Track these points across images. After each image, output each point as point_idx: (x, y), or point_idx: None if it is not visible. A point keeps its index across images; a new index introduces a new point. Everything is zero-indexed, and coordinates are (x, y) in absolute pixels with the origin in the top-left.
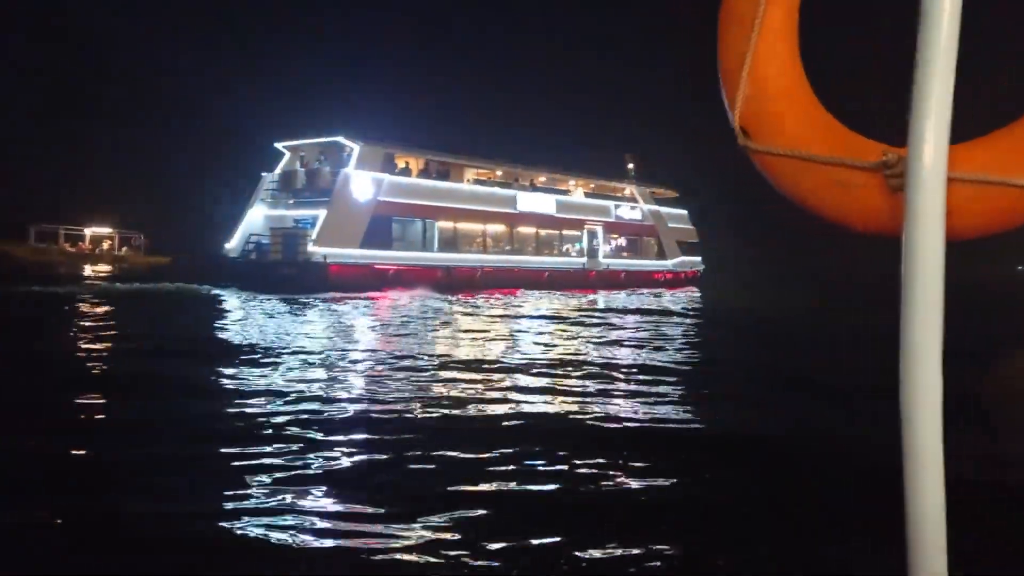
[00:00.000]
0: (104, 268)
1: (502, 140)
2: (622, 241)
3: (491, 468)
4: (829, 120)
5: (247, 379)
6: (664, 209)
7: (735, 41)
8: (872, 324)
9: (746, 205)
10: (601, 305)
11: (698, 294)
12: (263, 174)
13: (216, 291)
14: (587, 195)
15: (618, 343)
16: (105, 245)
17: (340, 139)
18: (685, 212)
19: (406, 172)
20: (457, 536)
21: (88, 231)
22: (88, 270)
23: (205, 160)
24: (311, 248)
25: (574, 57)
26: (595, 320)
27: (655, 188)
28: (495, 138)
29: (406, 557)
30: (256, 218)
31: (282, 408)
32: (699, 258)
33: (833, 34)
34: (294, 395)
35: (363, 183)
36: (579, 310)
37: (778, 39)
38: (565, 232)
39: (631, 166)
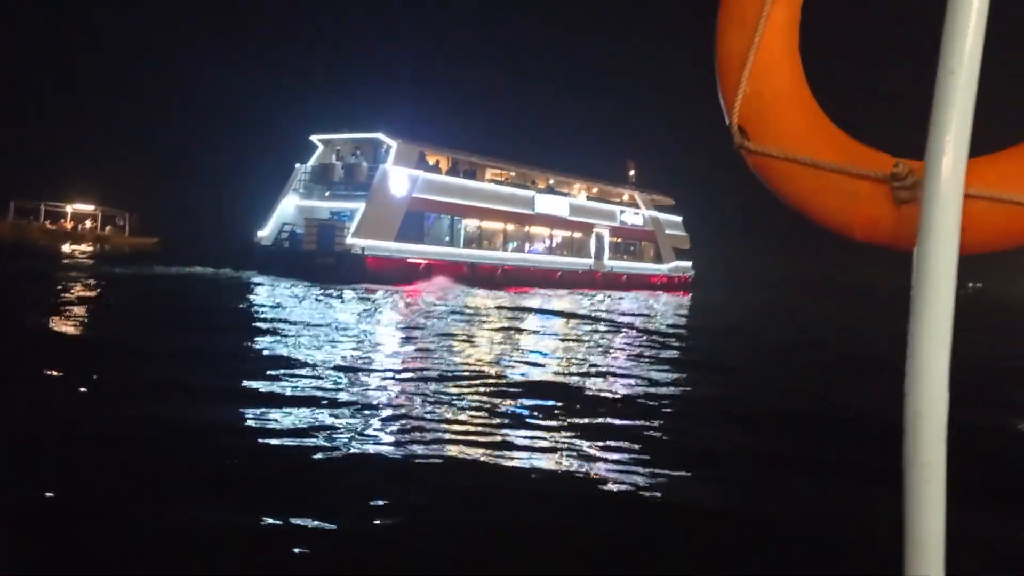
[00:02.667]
0: (85, 248)
1: (511, 140)
2: (624, 244)
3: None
4: (831, 126)
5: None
6: (662, 215)
7: (735, 40)
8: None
9: (735, 212)
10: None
11: (688, 300)
12: (296, 165)
13: (257, 279)
14: (589, 199)
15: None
16: (88, 224)
17: (379, 135)
18: (680, 219)
19: (436, 170)
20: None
21: (70, 208)
22: (69, 249)
23: (236, 149)
24: (349, 240)
25: (576, 61)
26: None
27: (654, 195)
28: (504, 136)
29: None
30: (288, 208)
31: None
32: (690, 263)
33: (832, 43)
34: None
35: (399, 179)
36: (629, 315)
37: (781, 40)
38: (575, 234)
39: (632, 172)
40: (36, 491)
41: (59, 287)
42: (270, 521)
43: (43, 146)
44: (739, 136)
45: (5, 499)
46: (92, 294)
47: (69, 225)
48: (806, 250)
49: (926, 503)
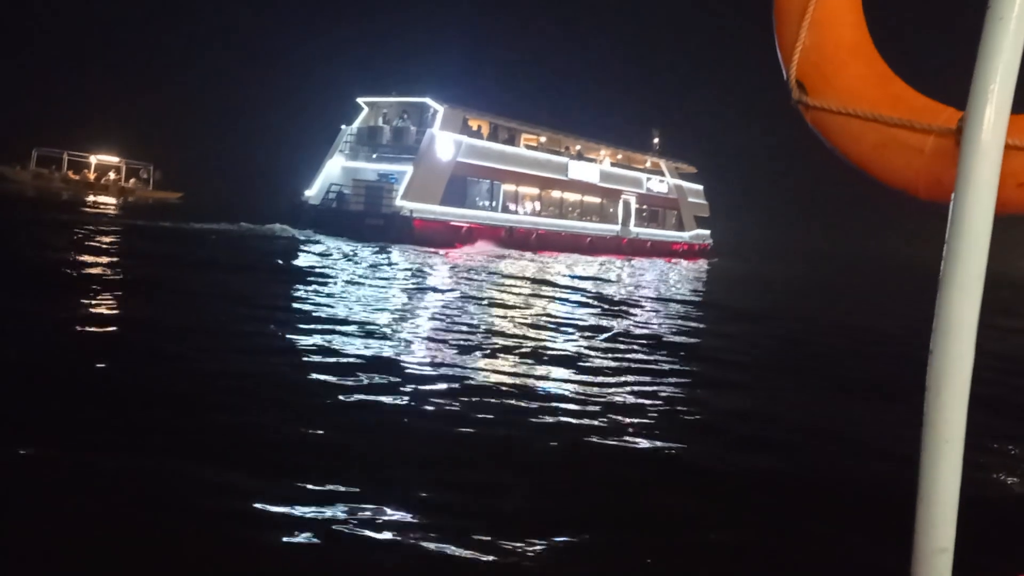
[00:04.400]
0: (108, 200)
1: (541, 104)
2: (649, 211)
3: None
4: (894, 79)
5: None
6: (685, 183)
7: None
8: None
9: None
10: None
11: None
12: (342, 127)
13: (316, 237)
14: (613, 165)
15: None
16: (111, 175)
17: (427, 100)
18: (701, 187)
19: (478, 135)
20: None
21: (93, 159)
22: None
23: (278, 108)
24: (398, 202)
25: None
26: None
27: (678, 163)
28: (534, 101)
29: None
30: (334, 169)
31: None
32: (709, 231)
33: None
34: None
35: (446, 143)
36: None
37: None
38: (604, 200)
39: (656, 140)
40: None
41: (114, 242)
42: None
43: (68, 95)
44: (797, 91)
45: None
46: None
47: (92, 176)
48: (822, 221)
49: (943, 462)
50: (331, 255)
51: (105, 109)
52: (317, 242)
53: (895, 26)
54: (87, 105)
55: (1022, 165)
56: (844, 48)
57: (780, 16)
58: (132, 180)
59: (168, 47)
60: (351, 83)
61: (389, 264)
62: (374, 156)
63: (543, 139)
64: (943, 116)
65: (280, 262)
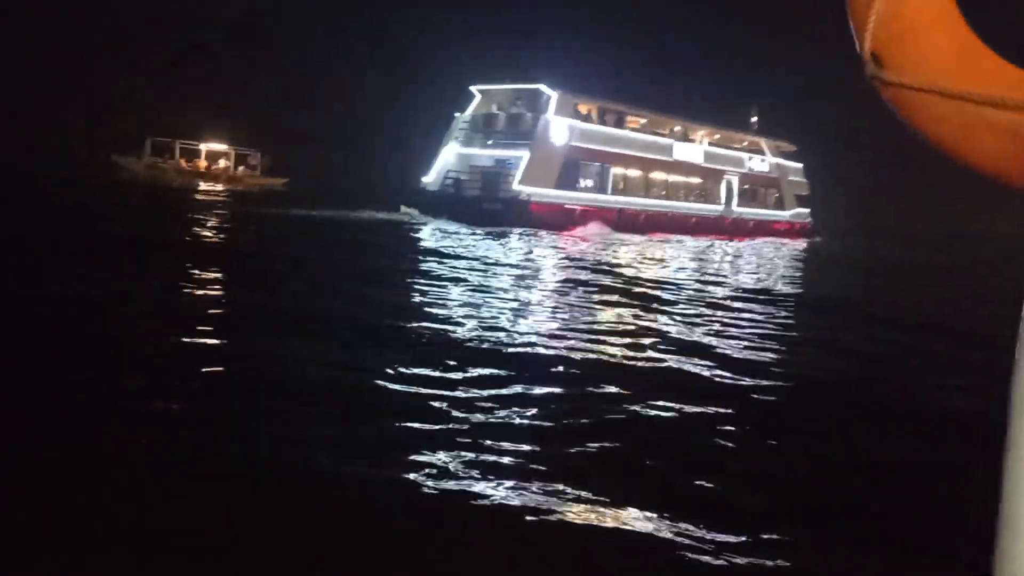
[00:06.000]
0: (219, 188)
1: (643, 84)
2: (750, 191)
3: None
4: (985, 51)
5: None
6: (785, 162)
7: None
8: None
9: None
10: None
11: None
12: (456, 114)
13: (430, 222)
14: (711, 144)
15: None
16: (221, 163)
17: (540, 87)
18: (801, 166)
19: (588, 119)
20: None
21: (203, 146)
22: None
23: (390, 97)
24: (516, 186)
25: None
26: None
27: (778, 142)
28: (636, 81)
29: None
30: (450, 155)
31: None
32: (808, 210)
33: None
34: None
35: (560, 128)
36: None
37: None
38: (707, 181)
39: (755, 119)
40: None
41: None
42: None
43: (182, 84)
44: (872, 65)
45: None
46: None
47: (203, 165)
48: (927, 200)
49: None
50: (463, 239)
51: (219, 96)
52: (435, 227)
53: None
54: (201, 92)
55: None
56: (926, 15)
57: None
58: (241, 168)
59: (281, 33)
60: (461, 71)
61: (519, 247)
62: (489, 142)
63: (643, 121)
64: None
65: (423, 244)
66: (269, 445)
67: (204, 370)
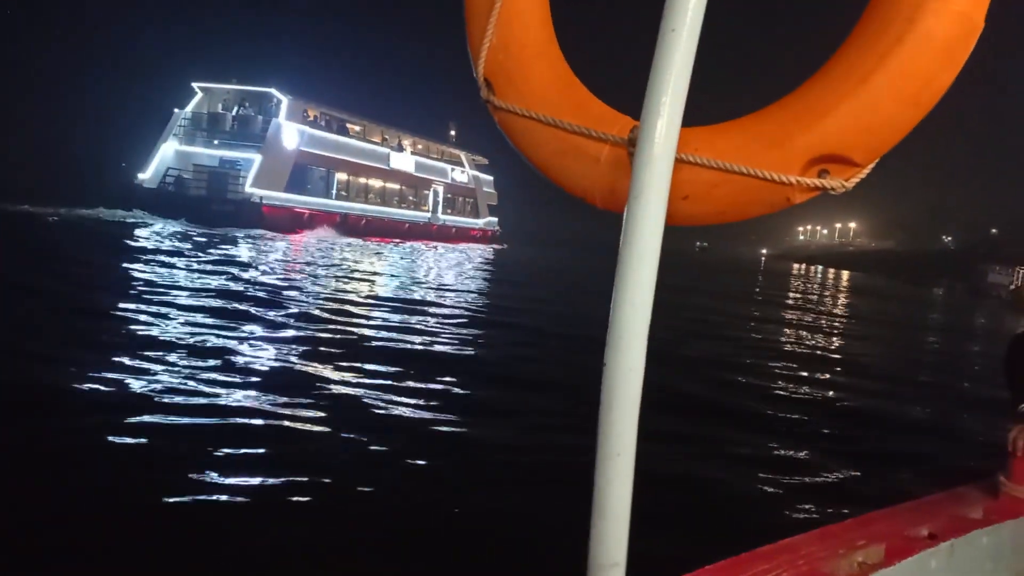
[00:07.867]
0: None
1: (358, 92)
2: (452, 200)
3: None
4: (577, 85)
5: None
6: (480, 174)
7: None
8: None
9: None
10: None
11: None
12: (175, 110)
13: (146, 219)
14: (414, 154)
15: None
16: None
17: (271, 90)
18: (492, 178)
19: (316, 124)
20: None
21: None
22: None
23: (101, 89)
24: (248, 188)
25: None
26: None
27: (474, 156)
28: (351, 89)
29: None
30: (168, 152)
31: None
32: (496, 219)
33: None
34: None
35: (291, 133)
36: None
37: None
38: (418, 189)
39: (453, 133)
40: None
41: None
42: None
43: None
44: (485, 90)
45: None
46: None
47: None
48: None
49: (614, 476)
50: (187, 240)
51: None
52: (149, 225)
53: (584, 29)
54: None
55: (691, 177)
56: (529, 49)
57: (469, 11)
58: None
59: None
60: (176, 64)
61: (251, 250)
62: (215, 142)
63: (357, 128)
64: (618, 125)
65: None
66: None
67: None
